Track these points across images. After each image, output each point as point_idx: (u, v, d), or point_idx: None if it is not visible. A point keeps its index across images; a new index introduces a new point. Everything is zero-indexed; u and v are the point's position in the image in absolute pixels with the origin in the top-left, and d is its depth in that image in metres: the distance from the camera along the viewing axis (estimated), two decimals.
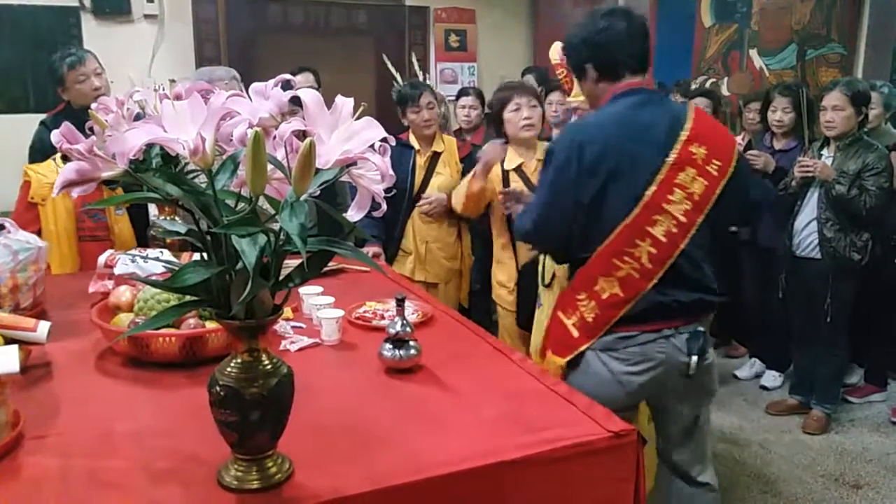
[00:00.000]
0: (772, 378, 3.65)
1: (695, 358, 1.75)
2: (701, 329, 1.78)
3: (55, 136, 1.04)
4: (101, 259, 2.05)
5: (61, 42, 4.18)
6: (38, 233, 2.30)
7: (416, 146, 2.98)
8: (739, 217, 1.97)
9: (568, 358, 1.80)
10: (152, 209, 2.76)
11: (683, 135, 1.73)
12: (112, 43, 4.49)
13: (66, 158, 2.46)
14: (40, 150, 2.73)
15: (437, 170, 2.98)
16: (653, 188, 1.70)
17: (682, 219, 1.70)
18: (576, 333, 1.79)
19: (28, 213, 2.40)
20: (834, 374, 3.22)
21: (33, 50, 4.26)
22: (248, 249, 0.92)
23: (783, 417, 3.29)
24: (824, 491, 2.69)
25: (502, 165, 2.68)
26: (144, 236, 2.54)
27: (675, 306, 1.74)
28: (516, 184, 2.62)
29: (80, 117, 2.74)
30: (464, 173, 2.99)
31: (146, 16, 4.65)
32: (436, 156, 3.00)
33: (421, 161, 2.99)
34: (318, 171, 0.98)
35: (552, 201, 1.78)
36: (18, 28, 4.34)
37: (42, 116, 3.02)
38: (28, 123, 3.00)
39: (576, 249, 1.79)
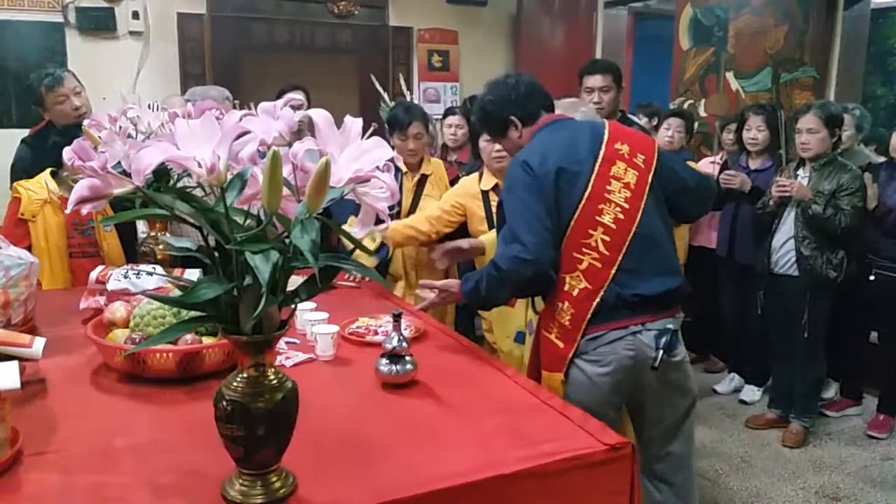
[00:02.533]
0: (751, 392, 3.72)
1: (660, 352, 1.80)
2: (670, 326, 1.83)
3: (67, 153, 1.06)
4: (93, 275, 2.05)
5: (46, 58, 4.17)
6: (29, 249, 2.29)
7: (404, 168, 2.96)
8: (690, 205, 2.09)
9: (564, 370, 1.84)
10: (140, 225, 2.75)
11: (606, 135, 1.92)
12: (97, 59, 4.49)
13: (54, 174, 2.47)
14: (22, 169, 2.71)
15: (426, 192, 2.96)
16: (592, 181, 1.85)
17: (626, 205, 1.85)
18: (561, 344, 1.85)
19: (18, 230, 2.37)
20: (811, 389, 3.29)
21: (17, 65, 4.24)
22: (262, 265, 0.94)
23: (762, 431, 3.35)
24: (804, 503, 2.74)
25: (480, 186, 2.69)
26: (133, 252, 2.53)
27: (636, 300, 1.81)
28: (496, 202, 2.62)
29: (62, 135, 2.73)
30: None
31: (131, 32, 4.65)
32: (424, 178, 2.98)
33: (409, 184, 2.96)
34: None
35: (535, 218, 1.81)
36: (2, 43, 4.32)
37: (26, 132, 3.01)
38: (11, 138, 2.99)
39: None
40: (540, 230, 1.79)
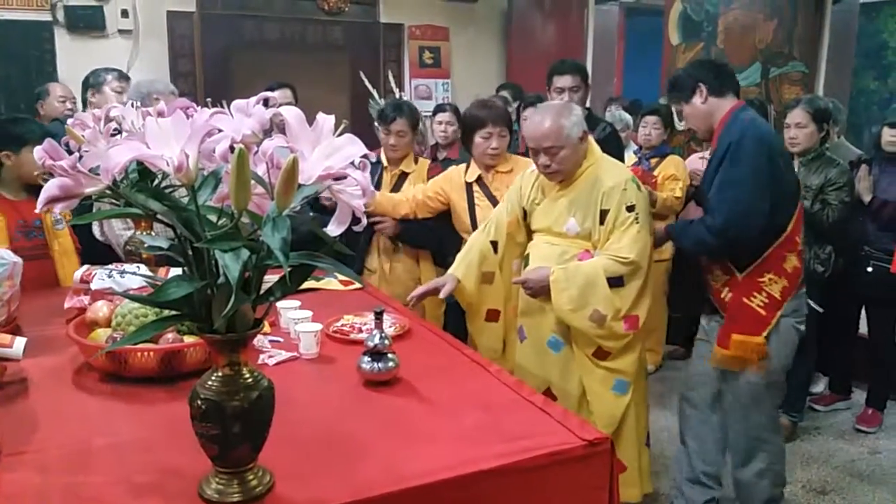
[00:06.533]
0: None
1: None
2: None
3: (38, 153, 1.05)
4: (77, 274, 2.05)
5: (34, 57, 4.16)
6: None
7: (385, 163, 2.98)
8: None
9: (764, 334, 2.16)
10: (95, 225, 2.71)
11: None
12: (86, 58, 4.46)
13: None
14: None
15: (403, 188, 2.94)
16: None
17: None
18: (763, 312, 2.16)
19: None
20: (800, 384, 3.29)
21: (5, 64, 4.23)
22: (232, 264, 0.94)
23: None
24: (792, 497, 2.74)
25: (465, 178, 2.77)
26: (88, 253, 2.51)
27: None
28: (478, 194, 2.71)
29: None
30: None
31: (120, 31, 4.64)
32: (404, 175, 2.98)
33: (388, 178, 2.97)
34: (300, 186, 1.00)
35: (754, 195, 2.08)
36: None
37: None
38: None
39: (771, 236, 2.14)
40: (755, 206, 2.08)
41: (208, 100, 1.14)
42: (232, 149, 0.99)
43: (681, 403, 2.51)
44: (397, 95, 4.19)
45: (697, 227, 2.20)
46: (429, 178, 2.98)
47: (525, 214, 2.35)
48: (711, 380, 2.36)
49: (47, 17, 4.44)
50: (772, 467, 2.35)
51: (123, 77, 3.33)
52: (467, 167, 2.78)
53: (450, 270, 2.37)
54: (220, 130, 1.02)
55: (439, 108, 4.15)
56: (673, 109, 4.23)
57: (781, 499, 2.43)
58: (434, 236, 2.90)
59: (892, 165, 3.20)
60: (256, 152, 1.05)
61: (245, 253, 0.96)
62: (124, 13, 4.62)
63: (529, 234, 2.37)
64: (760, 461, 2.33)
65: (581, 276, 2.12)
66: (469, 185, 2.74)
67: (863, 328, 3.46)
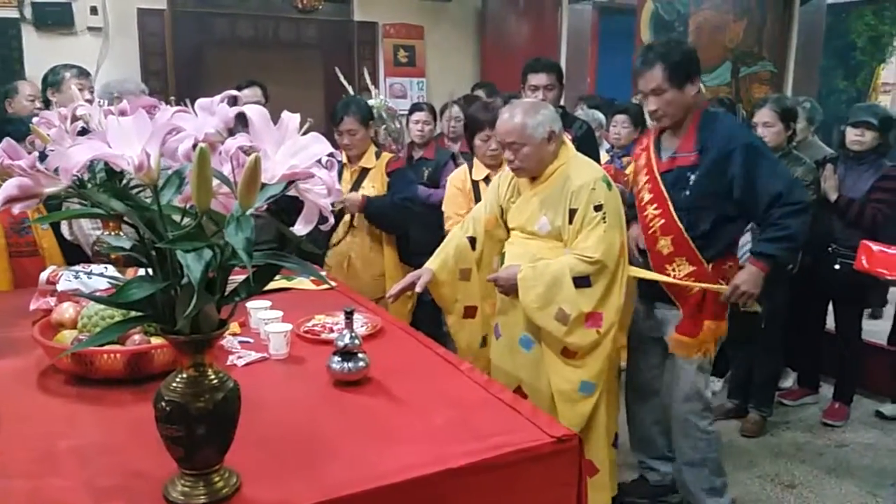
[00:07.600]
0: (711, 383, 3.77)
1: None
2: None
3: None
4: (43, 276, 2.01)
5: (0, 54, 4.08)
6: None
7: (344, 160, 3.01)
8: None
9: (725, 318, 2.34)
10: (63, 224, 2.68)
11: None
12: (54, 56, 4.34)
13: None
14: None
15: (364, 184, 2.97)
16: None
17: None
18: (722, 299, 2.32)
19: None
20: (769, 379, 3.35)
21: None
22: (194, 264, 0.93)
23: (721, 421, 3.38)
24: (761, 491, 2.79)
25: (471, 176, 2.80)
26: (69, 251, 2.49)
27: None
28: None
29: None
30: (390, 186, 2.98)
31: (90, 28, 4.57)
32: (364, 171, 3.01)
33: (347, 175, 3.00)
34: (264, 185, 1.00)
35: None
36: None
37: None
38: None
39: (742, 224, 2.47)
40: None
41: (172, 98, 1.13)
42: (196, 148, 0.99)
43: (641, 392, 2.61)
44: (372, 93, 4.17)
45: (789, 221, 2.23)
46: (388, 173, 3.00)
47: (502, 212, 2.37)
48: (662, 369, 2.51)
49: (14, 13, 4.35)
50: (708, 455, 2.42)
51: (83, 73, 3.23)
52: (470, 168, 2.82)
53: (426, 264, 2.38)
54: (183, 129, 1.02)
55: (416, 108, 4.13)
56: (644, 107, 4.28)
57: (725, 488, 2.47)
58: (402, 216, 2.90)
59: (856, 164, 3.25)
60: (222, 151, 1.04)
61: (208, 253, 0.95)
62: (93, 10, 4.54)
63: (508, 231, 2.38)
64: (695, 449, 2.41)
65: (548, 275, 2.13)
66: (476, 184, 2.78)
67: (830, 324, 3.52)
